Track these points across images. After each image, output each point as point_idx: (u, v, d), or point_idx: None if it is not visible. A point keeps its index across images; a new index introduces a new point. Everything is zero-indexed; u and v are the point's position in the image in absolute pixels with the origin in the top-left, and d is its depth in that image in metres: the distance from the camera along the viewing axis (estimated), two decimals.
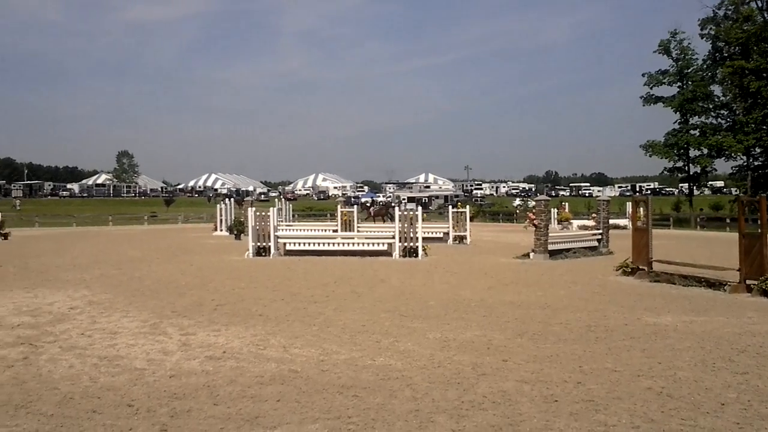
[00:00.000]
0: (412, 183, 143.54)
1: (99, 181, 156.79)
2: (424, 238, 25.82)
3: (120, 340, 10.51)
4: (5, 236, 36.63)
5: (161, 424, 6.64)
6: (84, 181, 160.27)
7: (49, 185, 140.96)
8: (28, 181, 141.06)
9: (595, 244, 27.23)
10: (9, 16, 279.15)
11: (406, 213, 25.84)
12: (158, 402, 7.33)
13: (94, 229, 50.41)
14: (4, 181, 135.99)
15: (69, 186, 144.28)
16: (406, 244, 24.83)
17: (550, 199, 31.54)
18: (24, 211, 70.23)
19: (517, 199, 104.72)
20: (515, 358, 9.30)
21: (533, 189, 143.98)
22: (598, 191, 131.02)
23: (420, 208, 27.94)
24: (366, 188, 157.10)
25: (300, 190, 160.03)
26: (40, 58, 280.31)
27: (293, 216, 52.43)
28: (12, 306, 13.61)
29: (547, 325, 11.77)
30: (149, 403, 7.30)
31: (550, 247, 24.54)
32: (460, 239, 33.37)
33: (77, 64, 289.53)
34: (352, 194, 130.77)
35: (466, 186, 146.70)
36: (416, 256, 24.46)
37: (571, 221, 44.34)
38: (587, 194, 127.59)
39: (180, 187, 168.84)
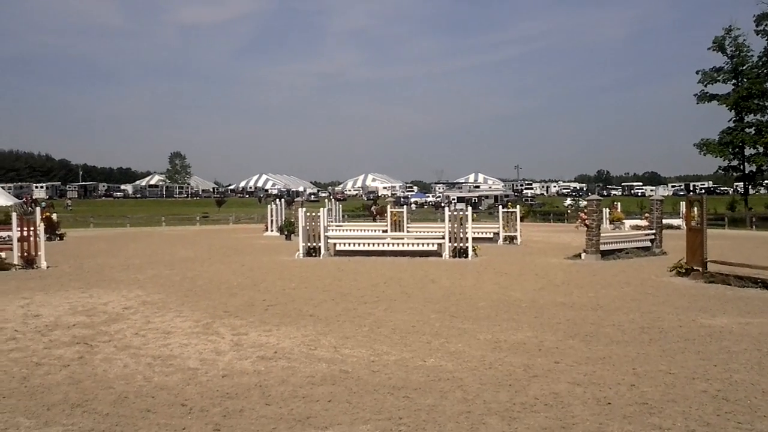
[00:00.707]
0: (462, 183, 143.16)
1: (152, 182, 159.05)
2: (474, 239, 25.73)
3: (173, 339, 10.64)
4: (61, 237, 37.32)
5: (214, 423, 6.71)
6: (137, 182, 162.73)
7: (104, 186, 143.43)
8: (83, 183, 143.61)
9: (648, 244, 26.85)
10: (65, 20, 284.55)
11: (456, 213, 25.77)
12: (211, 401, 7.41)
13: (148, 229, 51.13)
14: (60, 182, 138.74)
15: (123, 187, 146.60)
16: (456, 244, 24.77)
17: (601, 198, 31.27)
18: (79, 212, 71.54)
19: (568, 198, 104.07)
20: (567, 359, 9.22)
21: (584, 188, 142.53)
22: (651, 190, 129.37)
23: (470, 208, 27.83)
24: (415, 188, 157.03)
25: (350, 190, 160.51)
26: (95, 61, 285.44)
27: (343, 216, 52.60)
28: (68, 306, 13.86)
29: (599, 326, 11.66)
30: (202, 402, 7.38)
31: (602, 248, 24.29)
32: (511, 239, 33.22)
33: (131, 66, 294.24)
34: (402, 194, 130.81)
35: (516, 186, 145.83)
36: (466, 256, 24.39)
37: (624, 221, 43.92)
38: (640, 194, 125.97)
39: (231, 187, 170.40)
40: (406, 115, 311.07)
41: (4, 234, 28.05)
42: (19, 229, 21.84)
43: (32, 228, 22.01)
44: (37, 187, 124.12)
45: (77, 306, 13.84)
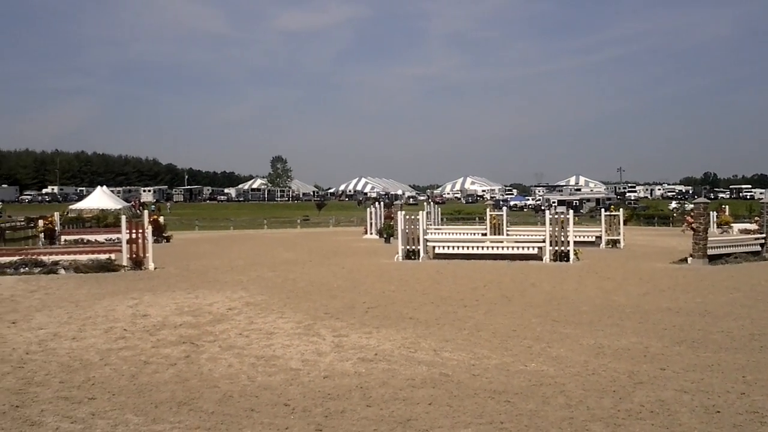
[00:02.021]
0: (562, 186, 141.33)
1: (254, 186, 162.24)
2: (575, 242, 25.32)
3: (276, 340, 10.80)
4: (168, 239, 38.36)
5: (316, 423, 6.77)
6: (240, 186, 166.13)
7: (208, 190, 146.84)
8: (189, 186, 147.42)
9: (758, 248, 25.93)
10: (174, 29, 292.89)
11: (556, 216, 25.41)
12: (313, 402, 7.48)
13: (250, 232, 52.12)
14: (167, 186, 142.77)
15: (226, 191, 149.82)
16: (557, 248, 24.44)
17: (709, 201, 30.30)
18: (184, 215, 73.44)
19: (673, 201, 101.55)
20: (674, 366, 8.97)
21: (690, 191, 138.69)
22: (761, 193, 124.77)
23: (571, 211, 27.43)
24: (514, 191, 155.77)
25: (448, 193, 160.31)
26: (200, 67, 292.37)
27: (442, 219, 52.53)
28: (174, 306, 14.22)
29: (707, 332, 11.31)
30: (304, 402, 7.46)
31: (710, 252, 23.58)
32: (613, 243, 32.57)
33: (236, 73, 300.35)
34: (501, 197, 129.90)
35: (619, 188, 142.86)
36: (567, 260, 24.03)
37: (732, 225, 42.48)
38: (749, 196, 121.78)
39: (331, 191, 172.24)
40: (506, 117, 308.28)
41: (113, 236, 29.07)
42: (128, 231, 22.54)
43: (140, 231, 22.69)
44: (144, 191, 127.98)
45: (183, 306, 14.19)
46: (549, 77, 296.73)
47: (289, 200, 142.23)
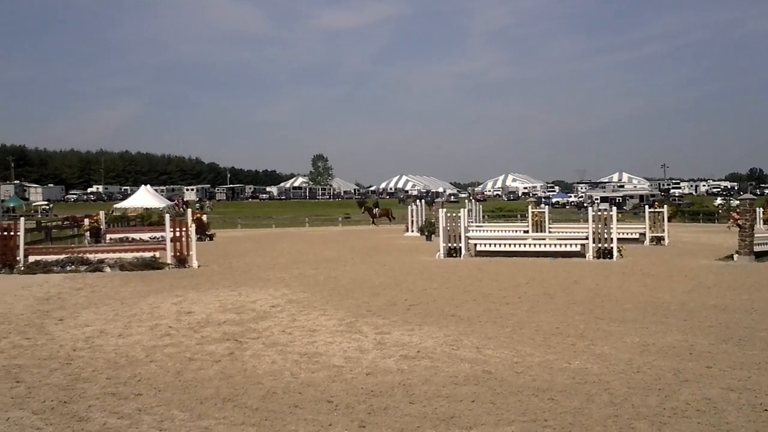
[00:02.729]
0: (605, 182, 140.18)
1: (296, 184, 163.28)
2: (618, 239, 25.05)
3: (318, 337, 10.85)
4: (211, 237, 38.71)
5: (359, 420, 6.79)
6: (282, 184, 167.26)
7: (250, 188, 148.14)
8: (231, 185, 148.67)
9: None
10: (218, 28, 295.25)
11: (599, 213, 25.21)
12: (356, 399, 7.51)
13: (292, 230, 52.40)
14: (209, 185, 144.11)
15: (268, 189, 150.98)
16: (600, 245, 24.22)
17: (755, 198, 29.83)
18: (227, 214, 74.00)
19: (718, 198, 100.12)
20: (720, 364, 8.85)
21: (736, 187, 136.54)
22: None
23: (614, 208, 27.18)
24: (557, 188, 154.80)
25: (489, 190, 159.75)
26: (241, 67, 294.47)
27: (483, 217, 52.33)
28: (218, 303, 14.34)
29: (754, 330, 11.14)
30: (348, 399, 7.49)
31: (756, 249, 23.20)
32: (657, 240, 32.19)
33: (275, 72, 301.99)
34: (543, 194, 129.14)
35: (663, 185, 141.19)
36: (611, 257, 23.81)
37: None
38: None
39: (372, 188, 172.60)
40: (547, 114, 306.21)
41: (157, 234, 29.38)
42: (171, 230, 22.79)
43: (184, 229, 22.91)
44: (187, 190, 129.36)
45: (227, 304, 14.31)
46: (591, 74, 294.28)
47: (330, 198, 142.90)
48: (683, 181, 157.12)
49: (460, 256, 24.96)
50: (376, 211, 55.75)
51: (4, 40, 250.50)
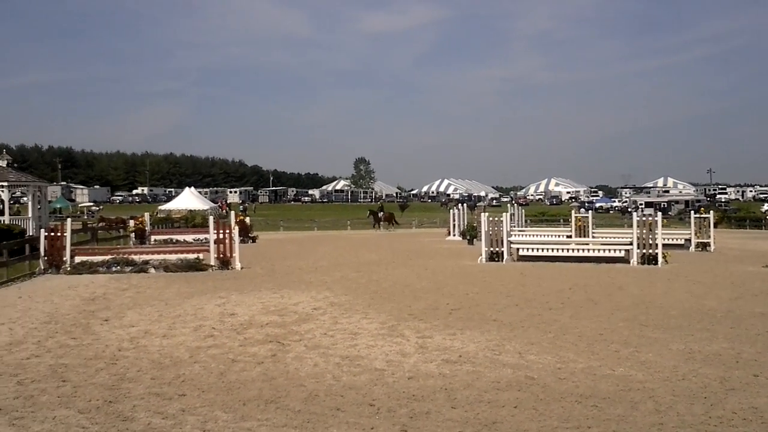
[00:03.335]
0: (650, 187, 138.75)
1: (338, 187, 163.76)
2: (663, 245, 24.76)
3: (360, 340, 10.87)
4: (254, 239, 38.92)
5: (401, 424, 6.79)
6: (324, 187, 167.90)
7: (293, 191, 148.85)
8: (274, 188, 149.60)
9: None
10: (256, 31, 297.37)
11: (644, 218, 24.94)
12: (398, 402, 7.51)
13: (334, 233, 52.48)
14: (252, 188, 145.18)
15: (310, 192, 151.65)
16: (644, 250, 23.96)
17: None
18: (269, 216, 74.44)
19: (766, 204, 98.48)
20: (767, 372, 8.70)
21: None
22: None
23: (659, 213, 26.87)
24: (600, 193, 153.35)
25: (532, 195, 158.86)
26: (284, 70, 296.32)
27: (526, 221, 52.04)
28: (261, 306, 14.43)
29: None
30: (389, 403, 7.50)
31: None
32: (703, 246, 31.73)
33: (318, 75, 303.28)
34: (586, 199, 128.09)
35: (709, 190, 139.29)
36: (655, 263, 23.53)
37: None
38: None
39: (414, 192, 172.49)
40: (591, 118, 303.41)
41: (201, 236, 29.64)
42: (215, 232, 22.99)
43: (227, 231, 23.10)
44: (231, 192, 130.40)
45: (269, 306, 14.40)
46: (636, 77, 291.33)
47: (372, 201, 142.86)
48: (730, 186, 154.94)
49: (502, 261, 24.84)
50: (380, 215, 55.59)
51: (53, 43, 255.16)
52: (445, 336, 11.17)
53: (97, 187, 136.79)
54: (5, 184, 34.48)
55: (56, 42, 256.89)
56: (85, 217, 71.36)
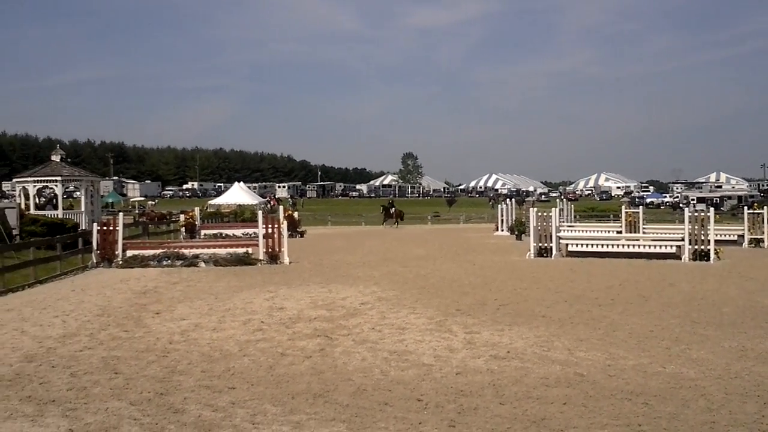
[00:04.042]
0: (702, 183, 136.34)
1: (385, 182, 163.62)
2: (716, 241, 24.37)
3: (408, 335, 10.88)
4: (302, 234, 39.18)
5: (449, 419, 6.79)
6: (371, 182, 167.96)
7: (340, 186, 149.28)
8: (321, 183, 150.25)
9: None
10: (305, 26, 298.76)
11: (696, 214, 24.58)
12: (446, 398, 7.51)
13: (381, 228, 52.53)
14: (300, 182, 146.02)
15: (358, 187, 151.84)
16: (696, 246, 23.61)
17: None
18: (317, 211, 74.79)
19: None
20: None
21: None
22: None
23: (711, 208, 26.46)
24: (651, 188, 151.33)
25: (581, 190, 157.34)
26: (333, 65, 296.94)
27: (575, 217, 51.59)
28: (309, 300, 14.52)
29: None
30: (437, 398, 7.50)
31: None
32: (757, 242, 31.14)
33: (366, 70, 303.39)
34: (637, 194, 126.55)
35: (763, 185, 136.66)
36: (708, 259, 23.17)
37: None
38: None
39: (461, 187, 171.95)
40: (642, 112, 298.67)
41: (250, 231, 29.87)
42: (264, 226, 23.16)
43: (276, 226, 23.25)
44: (279, 187, 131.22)
45: (318, 300, 14.48)
46: (688, 71, 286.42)
47: (419, 196, 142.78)
48: None
49: (551, 256, 24.67)
50: (392, 211, 55.05)
51: (105, 39, 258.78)
52: (493, 332, 11.13)
53: (149, 181, 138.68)
54: (59, 178, 35.18)
55: (108, 39, 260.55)
56: (136, 211, 72.46)
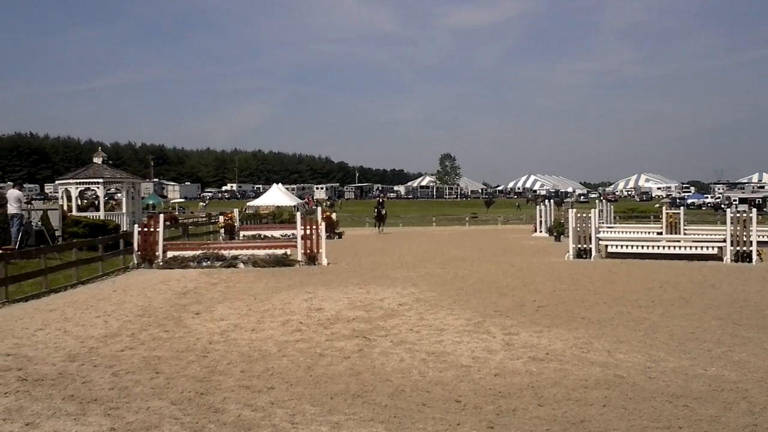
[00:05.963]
0: (744, 183, 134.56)
1: (423, 184, 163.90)
2: (758, 242, 24.03)
3: (446, 337, 10.87)
4: (340, 235, 39.31)
5: (488, 421, 6.78)
6: (409, 183, 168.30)
7: (378, 187, 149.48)
8: (359, 184, 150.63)
9: None
10: (343, 28, 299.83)
11: (738, 215, 24.26)
12: (484, 399, 7.50)
13: (419, 229, 52.56)
14: (338, 184, 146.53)
15: (396, 188, 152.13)
16: (738, 248, 23.31)
17: None
18: (355, 212, 74.93)
19: None
20: None
21: None
22: None
23: (754, 209, 26.12)
24: (692, 189, 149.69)
25: (621, 191, 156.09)
26: (370, 66, 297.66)
27: (614, 218, 51.16)
28: (347, 301, 14.56)
29: None
30: (476, 399, 7.49)
31: None
32: None
33: (404, 70, 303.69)
34: (678, 195, 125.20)
35: None
36: (750, 261, 22.87)
37: None
38: None
39: (499, 188, 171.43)
40: (683, 111, 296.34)
41: (288, 232, 30.01)
42: (302, 227, 23.27)
43: (314, 227, 23.34)
44: (317, 188, 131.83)
45: (356, 301, 14.51)
46: (730, 70, 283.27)
47: (457, 198, 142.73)
48: None
49: (590, 258, 24.50)
50: (383, 212, 53.72)
51: (145, 42, 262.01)
52: (531, 333, 11.08)
53: (188, 183, 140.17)
54: (101, 180, 35.63)
55: (148, 41, 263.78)
56: (176, 212, 73.15)
